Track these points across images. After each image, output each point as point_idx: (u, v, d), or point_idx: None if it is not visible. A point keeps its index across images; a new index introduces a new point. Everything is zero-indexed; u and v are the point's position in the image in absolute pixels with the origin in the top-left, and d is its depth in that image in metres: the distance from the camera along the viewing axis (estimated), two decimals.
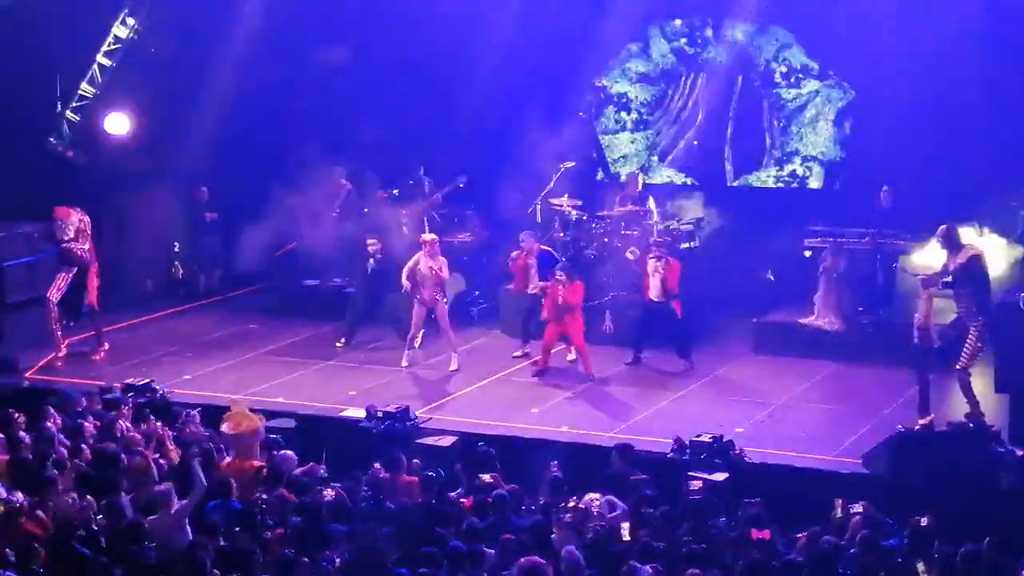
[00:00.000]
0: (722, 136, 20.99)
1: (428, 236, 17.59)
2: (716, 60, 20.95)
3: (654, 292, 17.07)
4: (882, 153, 18.84)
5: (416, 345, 17.53)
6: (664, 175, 21.30)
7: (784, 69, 20.61)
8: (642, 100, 21.54)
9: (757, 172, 20.92)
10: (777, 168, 20.78)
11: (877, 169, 18.75)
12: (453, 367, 17.25)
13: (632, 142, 21.65)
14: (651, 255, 17.21)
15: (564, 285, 16.62)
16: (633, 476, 12.66)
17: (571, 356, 17.32)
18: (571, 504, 11.70)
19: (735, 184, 20.99)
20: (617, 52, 21.44)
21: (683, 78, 21.21)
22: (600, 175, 21.70)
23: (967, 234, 14.61)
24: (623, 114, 21.67)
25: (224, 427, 13.27)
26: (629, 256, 17.60)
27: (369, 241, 18.57)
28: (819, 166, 20.54)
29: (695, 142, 21.17)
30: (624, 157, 21.65)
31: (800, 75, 20.52)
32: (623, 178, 20.90)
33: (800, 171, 20.63)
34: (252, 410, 13.61)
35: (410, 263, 17.26)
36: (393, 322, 18.14)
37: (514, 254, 17.96)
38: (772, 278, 18.94)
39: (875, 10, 18.92)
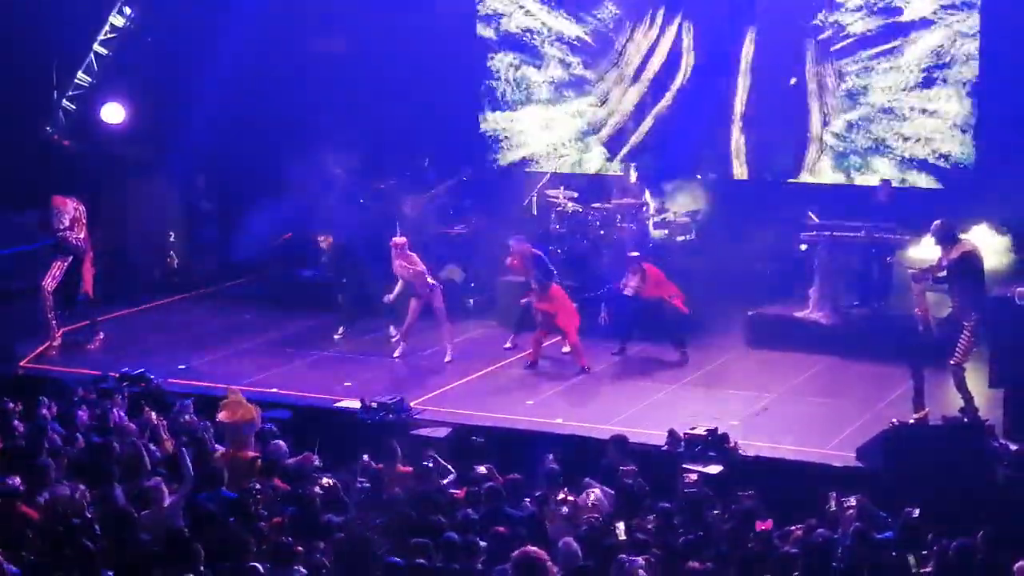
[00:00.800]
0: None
1: (398, 239, 17.36)
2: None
3: (631, 292, 17.14)
4: None
5: (405, 339, 17.47)
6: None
7: None
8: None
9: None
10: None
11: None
12: (447, 359, 17.25)
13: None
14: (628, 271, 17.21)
15: (538, 296, 16.73)
16: (623, 467, 12.65)
17: (566, 348, 17.30)
18: (563, 496, 11.71)
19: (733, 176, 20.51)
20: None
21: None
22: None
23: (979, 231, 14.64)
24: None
25: (220, 415, 13.26)
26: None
27: (320, 237, 18.76)
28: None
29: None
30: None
31: None
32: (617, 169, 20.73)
33: None
34: (247, 400, 13.60)
35: (397, 271, 17.26)
36: (388, 314, 18.14)
37: (508, 260, 17.60)
38: (767, 271, 18.90)
39: None
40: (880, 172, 19.16)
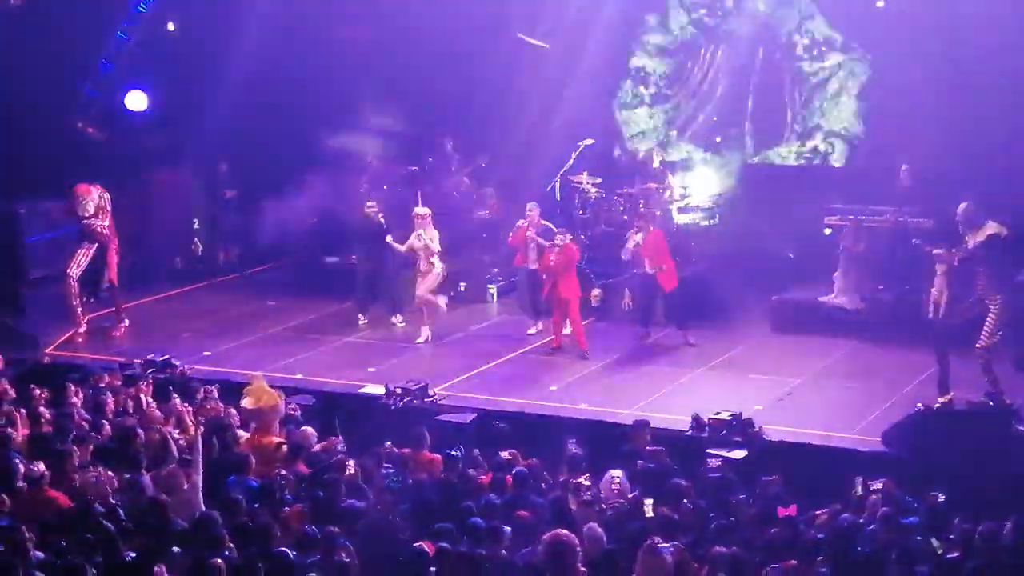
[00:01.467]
0: (742, 111, 20.57)
1: (421, 210, 17.56)
2: (736, 32, 20.49)
3: (640, 262, 17.20)
4: (904, 129, 18.60)
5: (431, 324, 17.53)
6: (683, 150, 20.97)
7: (807, 41, 20.09)
8: (660, 73, 21.18)
9: (778, 147, 20.54)
10: (799, 143, 20.39)
11: (899, 146, 18.53)
12: (421, 340, 17.37)
13: (650, 117, 21.34)
14: (634, 228, 17.35)
15: (559, 248, 16.73)
16: (650, 448, 12.65)
17: (566, 330, 17.08)
18: (585, 482, 11.70)
19: (755, 160, 20.63)
20: (635, 25, 21.10)
21: (702, 50, 20.79)
22: (617, 152, 21.43)
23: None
24: (641, 88, 21.33)
25: (244, 402, 13.29)
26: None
27: (369, 203, 18.50)
28: (842, 142, 20.18)
29: (714, 117, 20.79)
30: (642, 132, 21.35)
31: (823, 47, 20.04)
32: (641, 155, 20.76)
33: (822, 147, 20.27)
34: (271, 386, 13.63)
35: (409, 240, 17.44)
36: (396, 301, 18.18)
37: (520, 223, 17.76)
38: (792, 256, 18.84)
39: None
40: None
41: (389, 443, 12.89)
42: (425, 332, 17.47)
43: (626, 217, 19.05)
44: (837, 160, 20.26)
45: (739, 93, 20.56)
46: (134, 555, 9.69)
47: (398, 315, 18.10)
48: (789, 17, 20.26)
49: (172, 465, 11.70)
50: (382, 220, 18.14)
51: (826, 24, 20.04)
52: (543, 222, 17.64)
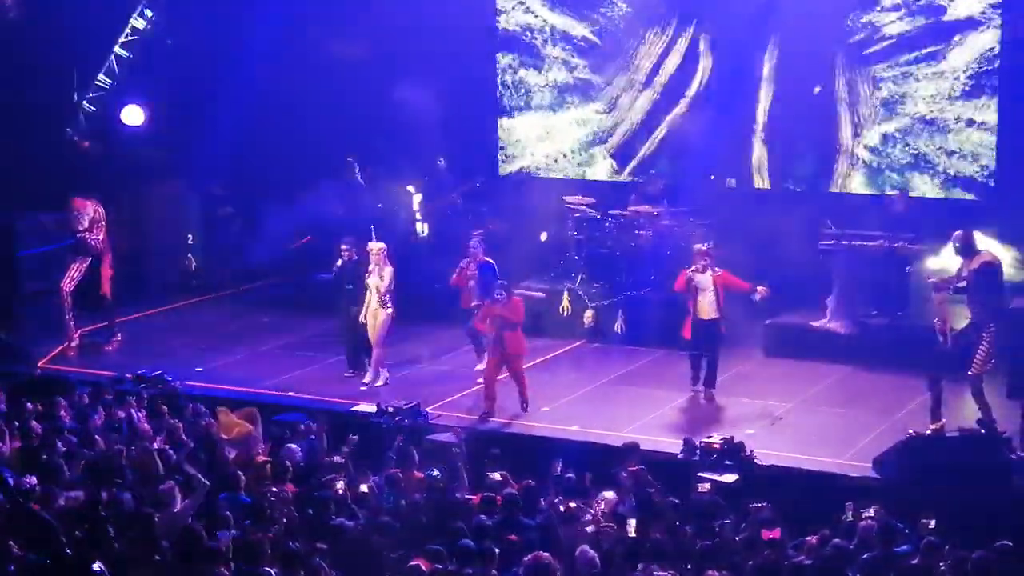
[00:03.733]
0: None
1: (375, 245, 16.41)
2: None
3: (706, 310, 15.80)
4: None
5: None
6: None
7: None
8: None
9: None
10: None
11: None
12: (372, 381, 16.40)
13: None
14: (696, 267, 15.81)
15: (503, 303, 15.39)
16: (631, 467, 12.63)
17: (481, 365, 16.30)
18: (575, 504, 11.69)
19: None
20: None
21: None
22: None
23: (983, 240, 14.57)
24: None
25: (218, 434, 13.32)
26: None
27: (344, 247, 16.98)
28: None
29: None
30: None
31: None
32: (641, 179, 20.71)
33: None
34: (245, 404, 13.69)
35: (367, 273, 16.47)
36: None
37: (463, 263, 16.69)
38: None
39: None
40: (920, 191, 18.45)
41: (392, 455, 12.90)
42: (384, 374, 16.59)
43: (620, 238, 19.01)
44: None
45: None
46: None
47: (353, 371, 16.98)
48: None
49: (170, 483, 11.66)
50: (354, 262, 16.76)
51: None
52: (486, 258, 16.70)
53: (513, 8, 20.68)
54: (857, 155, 19.15)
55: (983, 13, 18.04)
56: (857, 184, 19.32)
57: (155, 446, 12.81)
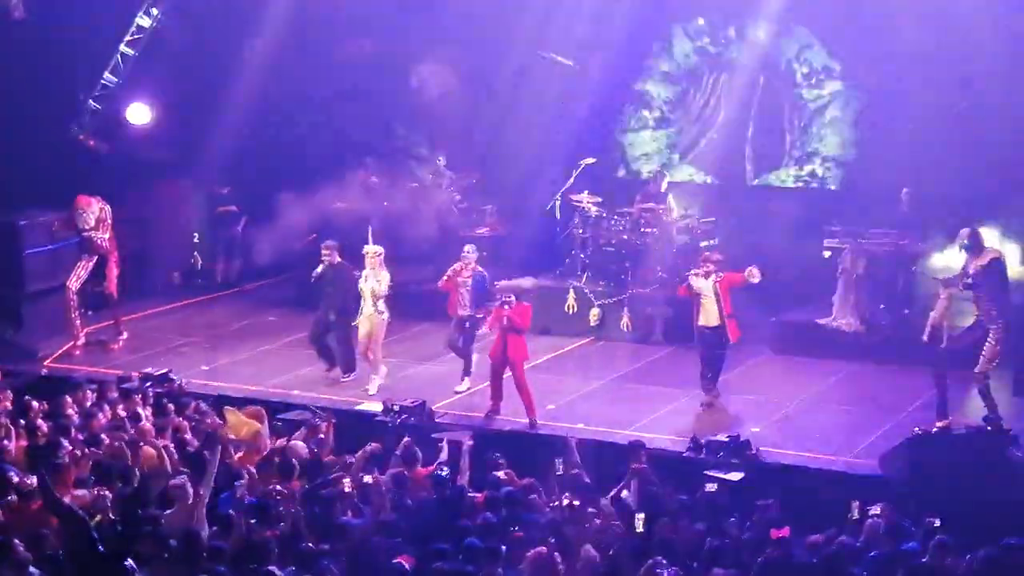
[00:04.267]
0: (743, 135, 20.73)
1: (372, 248, 16.19)
2: (738, 60, 20.71)
3: (710, 317, 15.47)
4: (902, 155, 18.57)
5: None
6: (685, 173, 21.12)
7: (805, 70, 20.37)
8: (664, 98, 21.33)
9: (777, 171, 20.71)
10: (797, 168, 20.54)
11: (897, 171, 18.50)
12: (372, 391, 16.08)
13: (653, 140, 21.47)
14: (698, 271, 15.55)
15: (511, 306, 15.10)
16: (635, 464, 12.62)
17: (461, 387, 16.11)
18: (578, 502, 11.69)
19: (755, 183, 20.79)
20: (641, 51, 21.24)
21: (705, 77, 21.01)
22: (622, 172, 21.53)
23: (990, 237, 14.54)
24: (645, 112, 21.49)
25: (226, 434, 13.32)
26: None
27: (326, 250, 16.69)
28: (837, 167, 20.29)
29: (715, 138, 20.90)
30: (646, 155, 21.47)
31: (821, 76, 20.28)
32: (645, 175, 20.83)
33: (820, 171, 20.40)
34: (255, 403, 13.67)
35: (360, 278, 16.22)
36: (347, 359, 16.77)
37: (455, 266, 16.11)
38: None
39: (895, 11, 18.72)
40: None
41: (398, 452, 12.89)
42: (376, 381, 16.29)
43: (625, 236, 19.04)
44: (833, 184, 20.31)
45: (740, 119, 20.70)
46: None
47: (350, 374, 16.71)
48: (789, 46, 20.42)
49: (181, 478, 11.65)
50: (338, 261, 16.53)
51: (825, 53, 20.21)
52: (478, 268, 16.15)
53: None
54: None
55: None
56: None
57: (161, 444, 12.82)
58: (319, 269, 16.62)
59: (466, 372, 16.28)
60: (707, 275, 15.38)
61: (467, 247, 16.30)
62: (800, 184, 20.55)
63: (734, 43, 20.76)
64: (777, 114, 20.59)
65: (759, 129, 20.66)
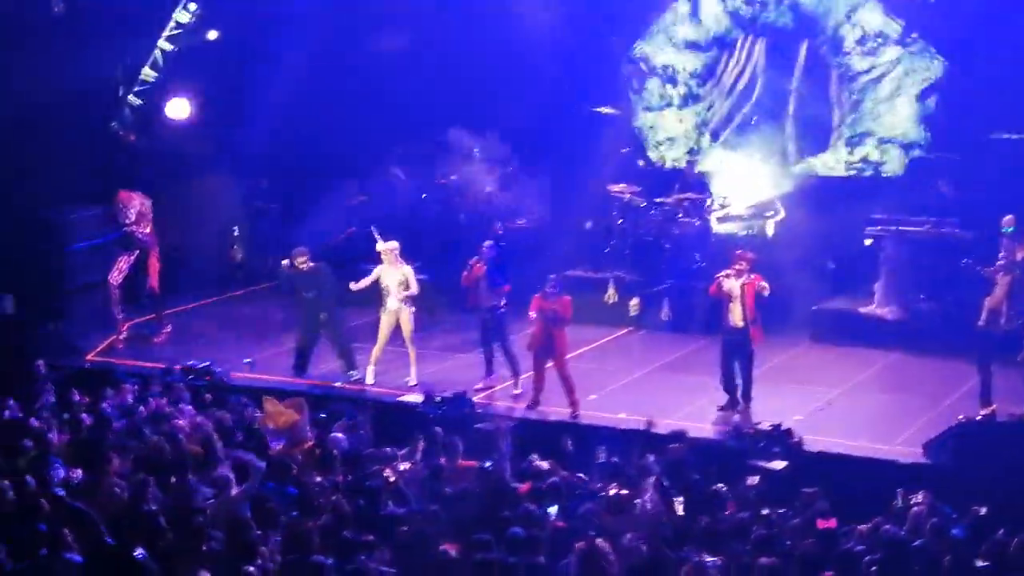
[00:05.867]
0: (783, 113, 19.44)
1: (386, 245, 16.19)
2: (777, 23, 19.16)
3: (736, 317, 15.09)
4: (974, 135, 17.71)
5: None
6: (716, 157, 19.96)
7: (858, 33, 18.65)
8: (691, 71, 19.78)
9: (823, 155, 19.46)
10: (848, 151, 19.29)
11: (966, 154, 17.74)
12: (412, 382, 16.09)
13: (680, 120, 20.10)
14: (730, 272, 15.14)
15: (552, 298, 15.16)
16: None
17: (517, 390, 15.86)
18: (620, 491, 11.66)
19: (797, 168, 19.65)
20: (660, 14, 19.95)
21: (739, 44, 19.52)
22: (641, 163, 20.65)
23: None
24: (669, 88, 20.06)
25: (268, 425, 13.35)
26: None
27: (300, 259, 16.59)
28: (898, 149, 18.94)
29: (752, 119, 19.67)
30: (671, 139, 20.37)
31: (877, 41, 18.56)
32: (666, 164, 20.42)
33: (874, 155, 19.11)
34: (292, 394, 13.70)
35: (372, 275, 16.26)
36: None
37: (472, 261, 16.03)
38: (833, 266, 18.68)
39: None
40: None
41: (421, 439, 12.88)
42: (413, 373, 16.24)
43: (664, 226, 18.93)
44: (892, 170, 19.09)
45: (779, 93, 19.38)
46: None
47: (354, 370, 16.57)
48: (838, 5, 18.76)
49: (224, 468, 11.70)
50: (311, 265, 16.46)
51: (881, 13, 18.59)
52: (486, 247, 16.06)
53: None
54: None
55: None
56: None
57: (201, 436, 12.86)
58: (286, 276, 16.62)
59: (515, 373, 15.98)
60: (739, 275, 15.06)
61: (485, 243, 16.21)
62: (852, 172, 19.38)
63: (772, 3, 19.27)
64: (823, 87, 19.17)
65: (802, 106, 19.31)
